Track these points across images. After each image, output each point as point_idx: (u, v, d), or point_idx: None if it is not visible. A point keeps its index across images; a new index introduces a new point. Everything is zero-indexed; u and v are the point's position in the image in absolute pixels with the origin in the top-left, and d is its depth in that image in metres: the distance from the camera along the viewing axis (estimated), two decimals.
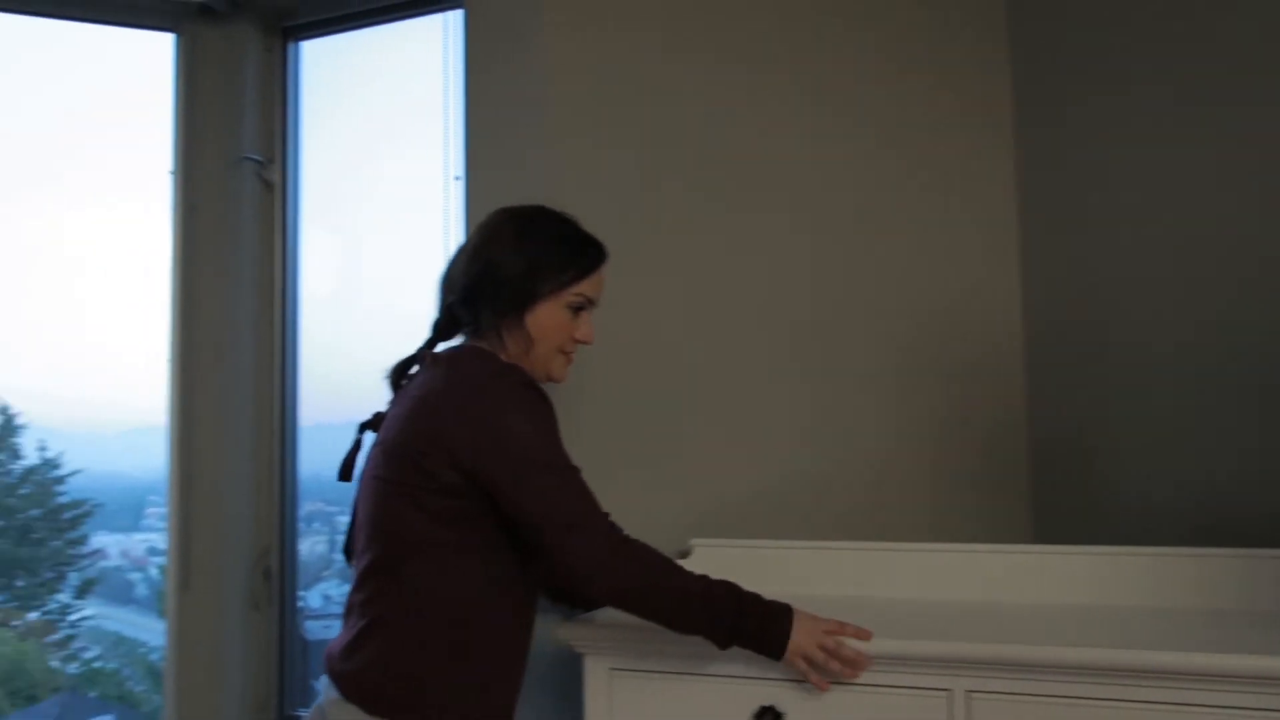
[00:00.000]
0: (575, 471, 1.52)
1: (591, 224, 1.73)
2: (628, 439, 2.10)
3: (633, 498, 2.10)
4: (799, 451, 2.17)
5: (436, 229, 2.33)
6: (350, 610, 1.57)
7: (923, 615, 1.73)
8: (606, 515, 1.51)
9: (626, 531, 1.53)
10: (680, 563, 1.95)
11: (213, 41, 2.58)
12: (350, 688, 1.50)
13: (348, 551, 1.65)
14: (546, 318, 1.61)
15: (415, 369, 1.67)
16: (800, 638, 1.50)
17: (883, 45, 2.27)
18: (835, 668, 1.51)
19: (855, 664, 1.51)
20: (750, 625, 1.50)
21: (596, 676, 1.67)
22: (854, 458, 2.18)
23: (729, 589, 1.52)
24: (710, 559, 1.96)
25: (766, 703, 1.57)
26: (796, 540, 2.01)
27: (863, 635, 1.52)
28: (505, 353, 1.62)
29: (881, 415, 2.20)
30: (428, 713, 1.49)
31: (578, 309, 1.64)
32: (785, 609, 1.52)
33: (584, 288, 1.64)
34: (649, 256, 2.12)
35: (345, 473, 1.68)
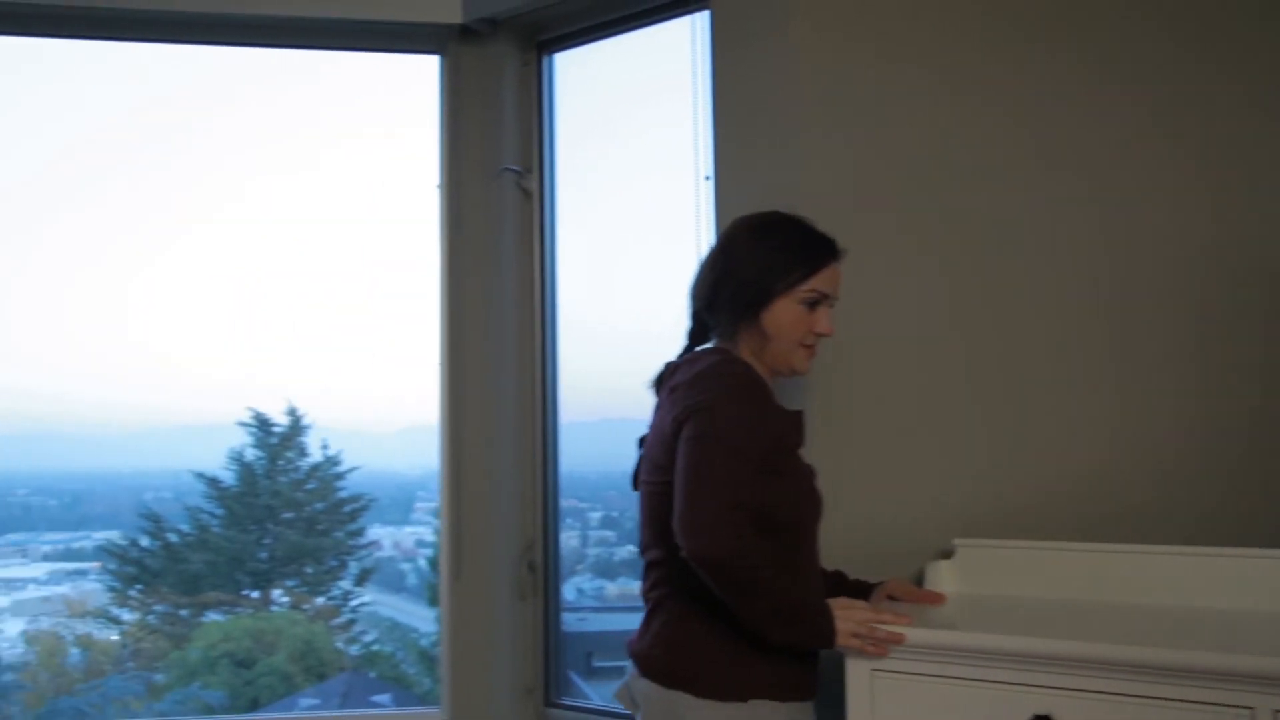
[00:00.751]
0: (737, 454, 1.57)
1: (841, 220, 1.76)
2: (890, 435, 2.06)
3: (893, 495, 2.06)
4: (1076, 446, 2.02)
5: (687, 229, 2.37)
6: (643, 599, 1.75)
7: (1221, 626, 1.60)
8: (740, 505, 1.55)
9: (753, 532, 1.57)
10: (942, 564, 1.89)
11: (473, 60, 2.72)
12: (644, 664, 1.68)
13: (643, 548, 1.79)
14: (782, 314, 1.70)
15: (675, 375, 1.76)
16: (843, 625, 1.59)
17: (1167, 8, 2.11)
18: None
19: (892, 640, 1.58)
20: (805, 626, 1.57)
21: (858, 678, 1.65)
22: (1142, 452, 2.00)
23: (803, 597, 1.60)
24: (974, 560, 1.89)
25: (1040, 711, 1.50)
26: (1072, 542, 1.89)
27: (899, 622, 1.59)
28: (745, 351, 1.73)
29: (1177, 406, 2.00)
30: (707, 682, 1.61)
31: (813, 304, 1.72)
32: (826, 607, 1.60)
33: (815, 283, 1.71)
34: (905, 251, 2.07)
35: (635, 482, 1.82)
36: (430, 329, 2.70)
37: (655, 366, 1.83)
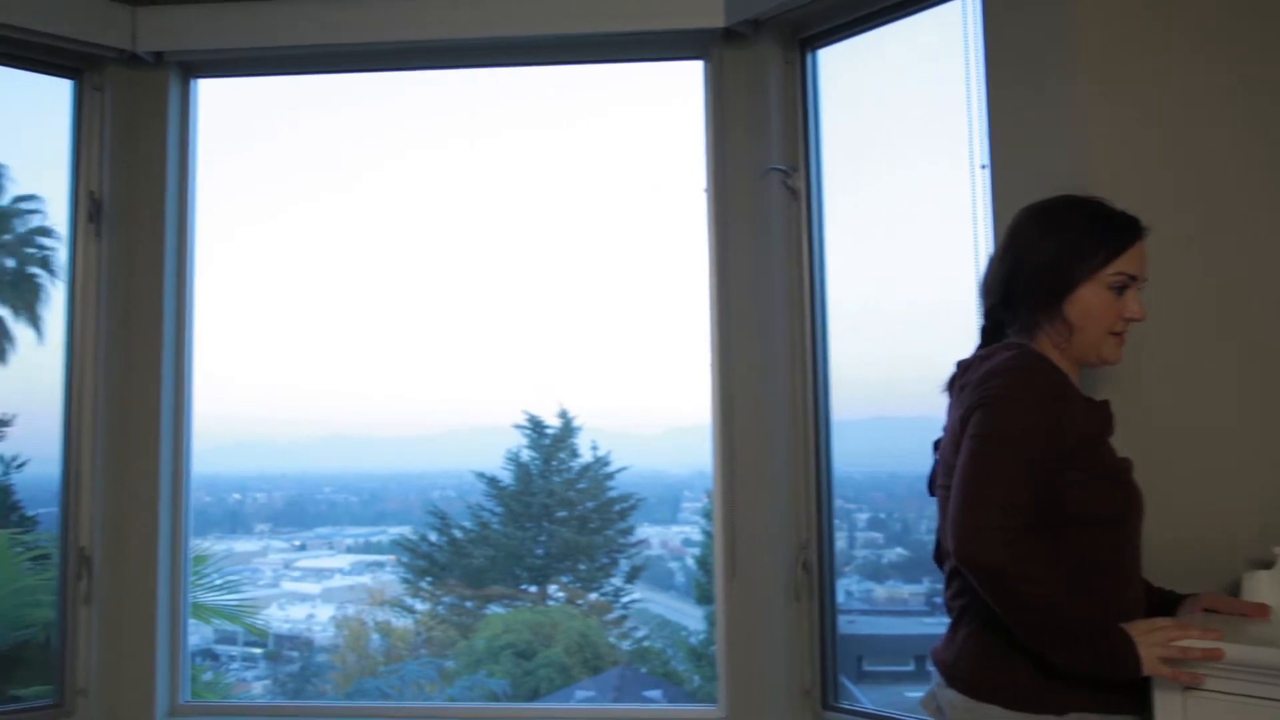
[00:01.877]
0: (1019, 453, 1.49)
1: (1129, 206, 1.64)
2: (1202, 432, 1.91)
3: (1205, 497, 1.91)
4: None
5: (962, 221, 2.29)
6: (946, 607, 1.68)
7: None
8: (1015, 509, 1.46)
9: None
10: (1262, 574, 1.72)
11: (736, 63, 2.74)
12: (951, 675, 1.62)
13: (937, 557, 1.75)
14: (1088, 301, 1.60)
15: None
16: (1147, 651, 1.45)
17: None
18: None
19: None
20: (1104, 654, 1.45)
21: (1169, 702, 1.52)
22: None
23: (1086, 616, 1.47)
24: None
25: None
26: None
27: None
28: (1046, 343, 1.62)
29: None
30: (1018, 693, 1.53)
31: (1121, 288, 1.60)
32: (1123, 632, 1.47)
33: (1123, 265, 1.60)
34: (1214, 239, 1.92)
35: (931, 487, 1.76)
36: (697, 331, 2.75)
37: (931, 363, 1.77)
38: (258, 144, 3.25)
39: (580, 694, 5.03)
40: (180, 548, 2.92)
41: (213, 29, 2.90)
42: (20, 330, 5.03)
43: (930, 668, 1.71)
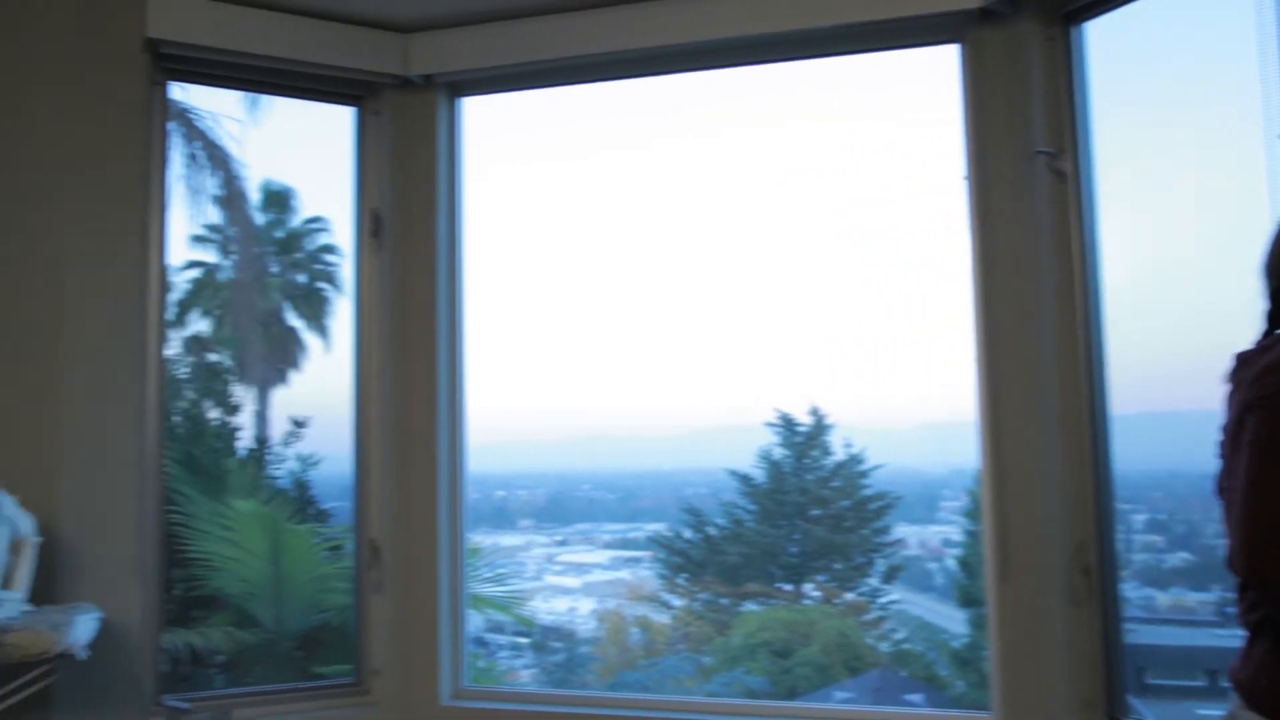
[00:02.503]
0: None
1: None
2: None
3: None
4: None
5: (1256, 197, 2.10)
6: (1241, 620, 1.54)
7: None
8: None
9: None
10: None
11: (995, 43, 2.64)
12: (1250, 696, 1.48)
13: (1231, 564, 1.59)
14: None
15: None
16: None
17: None
18: None
19: None
20: None
21: None
22: None
23: None
24: None
25: None
26: None
27: None
28: None
29: None
30: None
31: None
32: None
33: None
34: None
35: (1219, 489, 1.62)
36: (953, 324, 2.66)
37: (1218, 353, 1.62)
38: (519, 154, 3.41)
39: (839, 694, 4.98)
40: (458, 541, 3.10)
41: (477, 49, 3.07)
42: (311, 339, 5.45)
43: (1227, 685, 1.56)
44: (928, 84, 2.99)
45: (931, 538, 5.68)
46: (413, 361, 3.12)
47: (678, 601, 5.66)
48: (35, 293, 2.79)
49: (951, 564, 5.35)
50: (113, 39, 2.85)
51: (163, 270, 2.92)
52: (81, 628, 2.38)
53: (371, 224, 3.13)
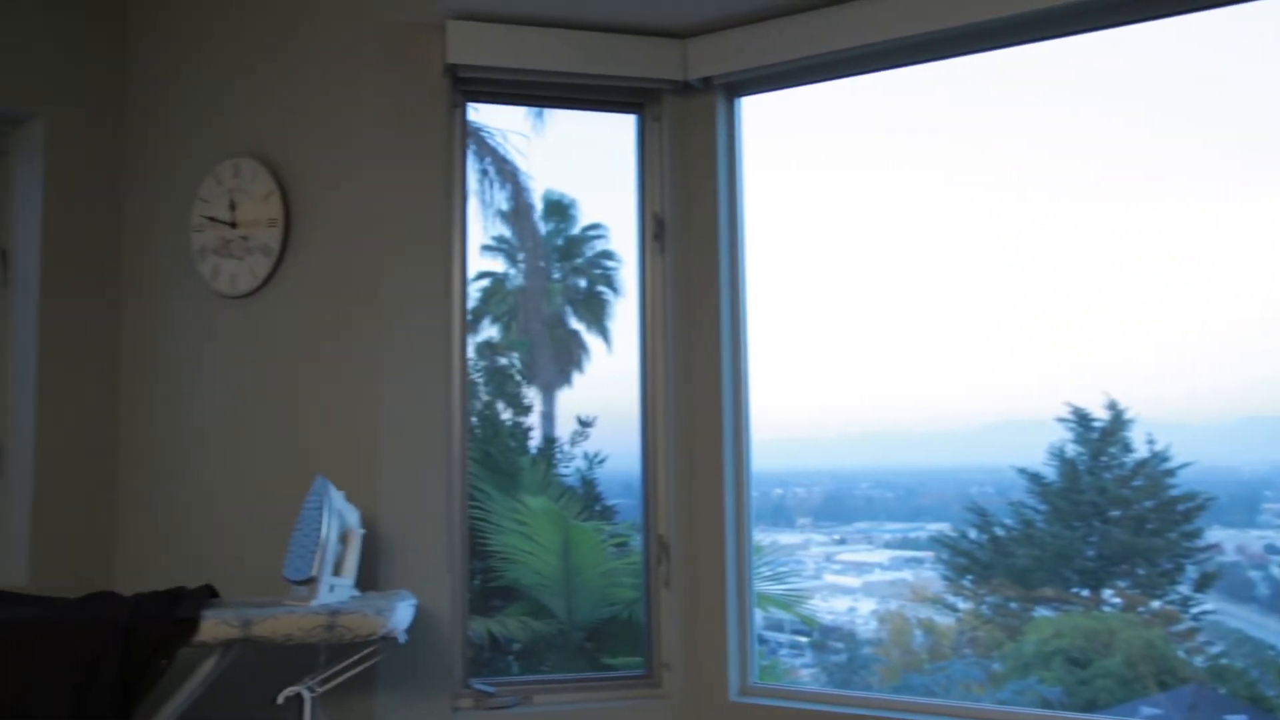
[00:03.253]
0: None
1: None
2: None
3: None
4: None
5: None
6: None
7: None
8: None
9: None
10: None
11: None
12: None
13: None
14: None
15: None
16: None
17: None
18: None
19: None
20: None
21: None
22: None
23: None
24: None
25: None
26: None
27: None
28: None
29: None
30: None
31: None
32: None
33: None
34: None
35: None
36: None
37: None
38: (797, 150, 3.39)
39: (1146, 710, 4.63)
40: (744, 538, 3.12)
41: (754, 48, 3.08)
42: (592, 341, 5.66)
43: None
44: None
45: (1251, 543, 5.17)
46: (696, 360, 3.17)
47: (963, 604, 5.45)
48: (359, 305, 3.04)
49: (1277, 572, 4.85)
50: (417, 68, 3.06)
51: (464, 281, 3.12)
52: (401, 613, 2.57)
53: (654, 227, 3.21)
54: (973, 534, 5.93)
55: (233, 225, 3.23)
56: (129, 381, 3.46)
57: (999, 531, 5.83)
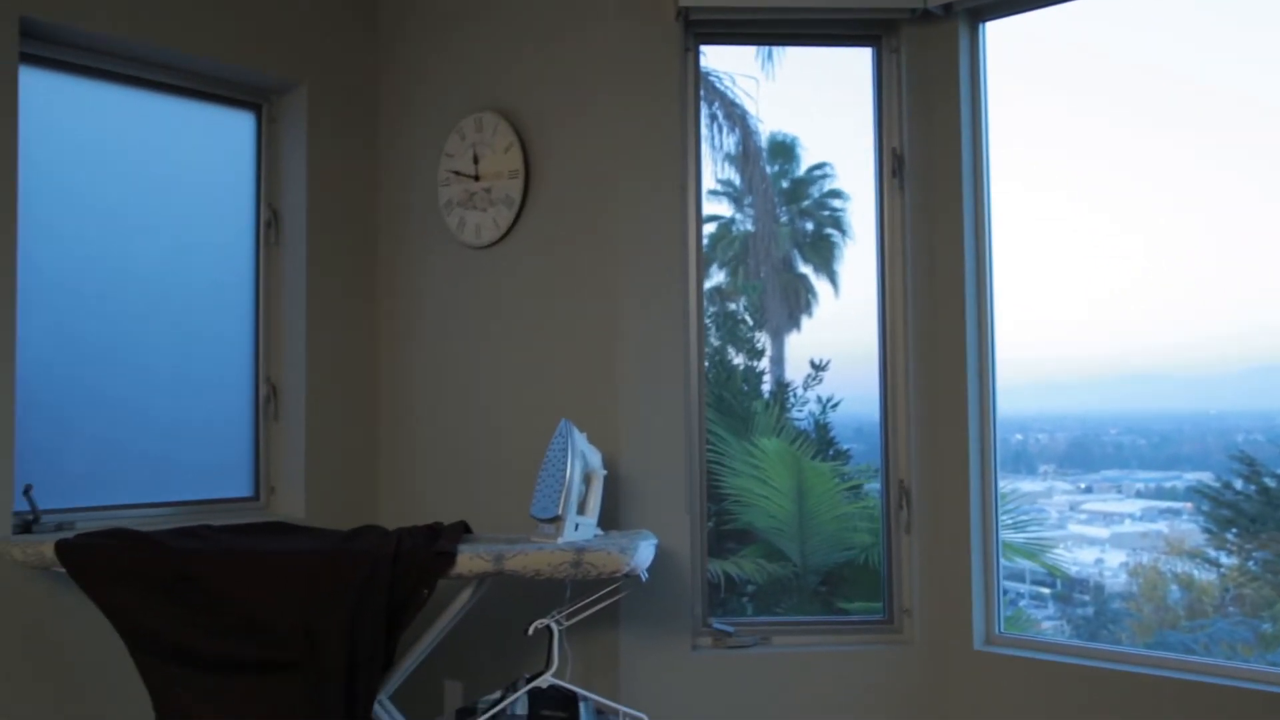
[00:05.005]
0: None
1: None
2: None
3: None
4: None
5: None
6: None
7: None
8: None
9: None
10: None
11: None
12: None
13: None
14: None
15: None
16: None
17: None
18: None
19: None
20: None
21: None
22: None
23: None
24: None
25: None
26: None
27: None
28: None
29: None
30: None
31: None
32: None
33: None
34: None
35: None
36: None
37: None
38: (1044, 76, 3.19)
39: None
40: (989, 485, 3.02)
41: None
42: (820, 285, 5.57)
43: None
44: None
45: None
46: (938, 300, 3.07)
47: (1227, 559, 5.08)
48: (597, 251, 3.11)
49: None
50: (649, 13, 3.07)
51: (699, 225, 3.13)
52: (644, 552, 2.63)
53: (892, 163, 3.11)
54: (1238, 484, 5.50)
55: (476, 178, 3.36)
56: (386, 332, 3.69)
57: (1269, 483, 5.38)
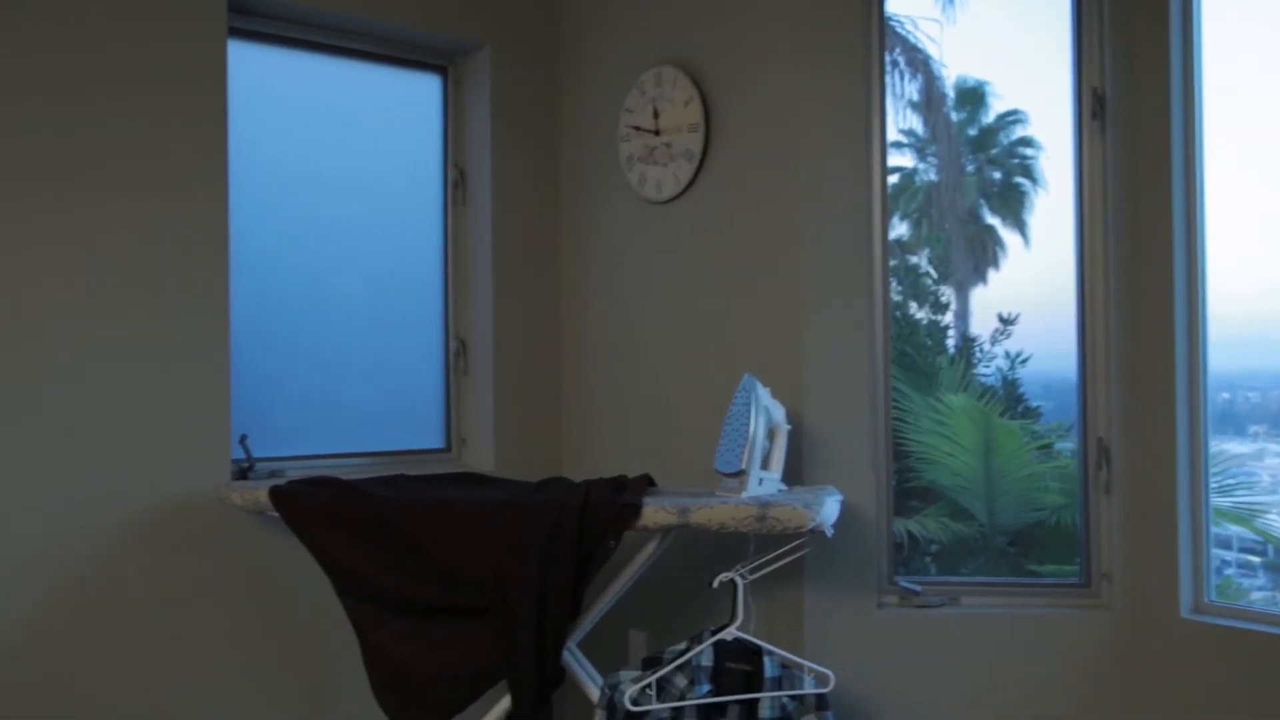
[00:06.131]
0: None
1: None
2: None
3: None
4: None
5: None
6: None
7: None
8: None
9: None
10: None
11: None
12: None
13: None
14: None
15: None
16: None
17: None
18: None
19: None
20: None
21: None
22: None
23: None
24: None
25: None
26: None
27: None
28: None
29: None
30: None
31: None
32: None
33: None
34: None
35: None
36: None
37: None
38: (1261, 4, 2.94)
39: None
40: (1199, 443, 2.85)
41: None
42: (1009, 237, 5.36)
43: None
44: None
45: None
46: (1141, 251, 2.90)
47: None
48: (779, 204, 3.07)
49: None
50: None
51: (883, 175, 3.04)
52: (829, 508, 2.60)
53: (1092, 105, 2.94)
54: None
55: (656, 133, 3.36)
56: (568, 288, 3.75)
57: None
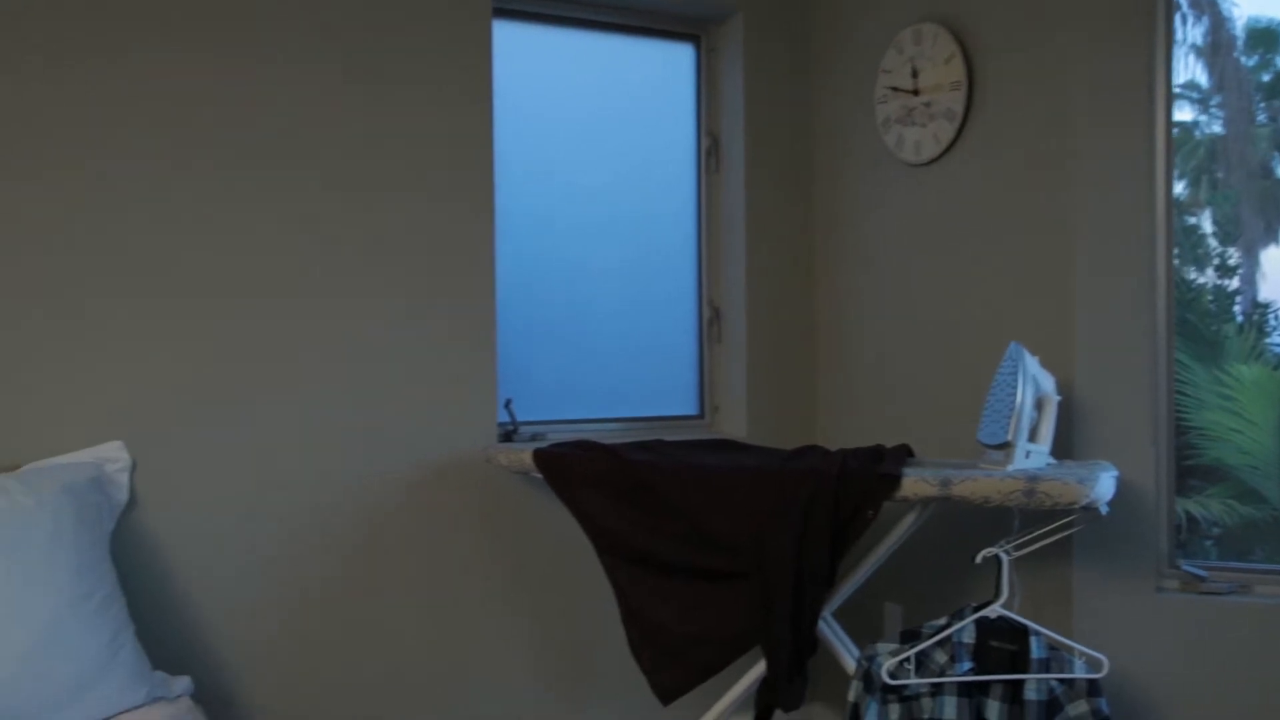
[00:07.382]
0: None
1: None
2: None
3: None
4: None
5: None
6: None
7: None
8: None
9: None
10: None
11: None
12: None
13: None
14: None
15: None
16: None
17: None
18: None
19: None
20: None
21: None
22: None
23: None
24: None
25: None
26: None
27: None
28: None
29: None
30: None
31: None
32: None
33: None
34: None
35: None
36: None
37: None
38: None
39: None
40: None
41: None
42: None
43: None
44: None
45: None
46: None
47: None
48: (1048, 164, 2.91)
49: None
50: None
51: (1168, 130, 2.82)
52: (1104, 484, 2.46)
53: None
54: None
55: (915, 93, 3.25)
56: (823, 253, 3.70)
57: None
